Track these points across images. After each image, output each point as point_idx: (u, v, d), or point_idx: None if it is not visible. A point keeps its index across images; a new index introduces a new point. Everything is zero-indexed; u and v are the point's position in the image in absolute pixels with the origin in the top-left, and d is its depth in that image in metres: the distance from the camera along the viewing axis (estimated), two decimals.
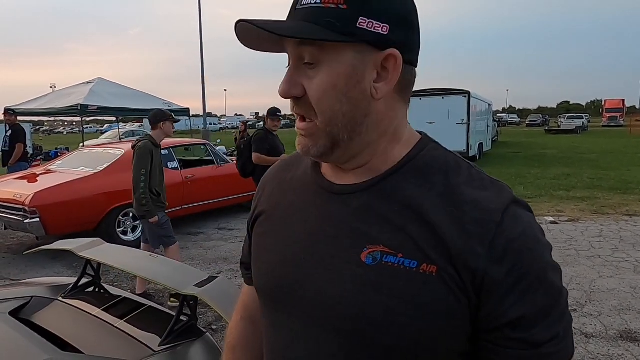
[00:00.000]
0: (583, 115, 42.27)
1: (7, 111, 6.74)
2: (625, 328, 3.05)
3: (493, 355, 0.55)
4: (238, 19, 0.57)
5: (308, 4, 0.56)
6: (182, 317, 1.48)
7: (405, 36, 0.58)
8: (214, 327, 3.20)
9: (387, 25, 0.56)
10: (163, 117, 3.80)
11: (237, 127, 12.90)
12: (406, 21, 0.58)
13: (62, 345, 1.41)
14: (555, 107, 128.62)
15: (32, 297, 1.74)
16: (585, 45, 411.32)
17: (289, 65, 0.61)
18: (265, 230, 0.71)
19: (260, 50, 0.63)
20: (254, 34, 0.57)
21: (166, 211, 5.59)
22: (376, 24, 0.56)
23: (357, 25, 0.55)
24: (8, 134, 6.51)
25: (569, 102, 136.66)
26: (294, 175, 0.72)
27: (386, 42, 0.57)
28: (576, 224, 5.89)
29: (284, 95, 0.59)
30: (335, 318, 0.58)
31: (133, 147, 3.74)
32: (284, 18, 0.60)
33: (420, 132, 0.66)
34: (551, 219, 6.11)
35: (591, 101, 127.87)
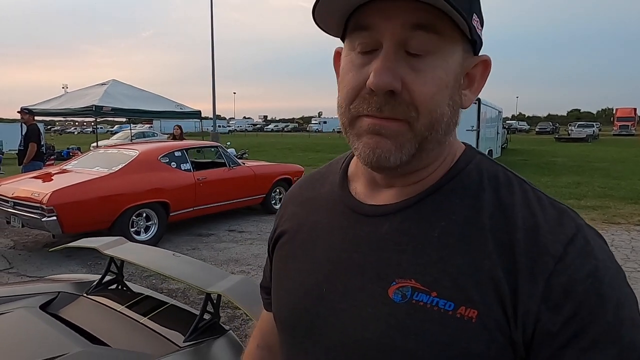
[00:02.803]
0: (594, 123, 41.99)
1: (24, 110, 6.86)
2: None
3: None
4: None
5: None
6: (204, 316, 1.53)
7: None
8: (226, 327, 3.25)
9: (482, 29, 0.51)
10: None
11: (172, 131, 10.87)
12: (482, 25, 0.52)
13: (89, 339, 1.46)
14: (565, 114, 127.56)
15: (59, 292, 1.80)
16: (597, 52, 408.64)
17: (362, 49, 0.49)
18: (287, 254, 0.64)
19: (329, 32, 0.53)
20: (343, 6, 0.48)
21: (178, 212, 5.70)
22: (479, 25, 0.50)
23: (472, 22, 0.48)
24: (24, 133, 6.64)
25: (579, 109, 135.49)
26: (318, 193, 0.64)
27: (480, 47, 0.52)
28: None
29: (384, 87, 0.46)
30: (352, 357, 0.52)
31: None
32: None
33: (463, 143, 0.58)
34: None
35: (602, 109, 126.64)
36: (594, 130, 34.92)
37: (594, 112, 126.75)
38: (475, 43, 0.51)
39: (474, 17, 0.49)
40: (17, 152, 6.79)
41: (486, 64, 0.53)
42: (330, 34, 0.53)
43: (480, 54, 0.53)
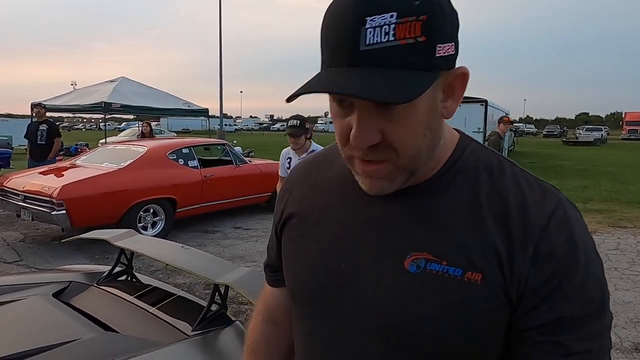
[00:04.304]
0: (602, 127, 41.57)
1: (39, 105, 6.95)
2: None
3: (520, 357, 0.54)
4: (327, 88, 0.48)
5: (379, 42, 0.46)
6: (212, 307, 1.56)
7: (458, 46, 0.53)
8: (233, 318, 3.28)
9: (453, 44, 0.51)
10: (500, 120, 6.53)
11: (141, 126, 10.43)
12: (458, 31, 0.53)
13: (100, 326, 1.50)
14: (573, 118, 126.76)
15: (70, 282, 1.84)
16: (606, 55, 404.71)
17: (339, 103, 0.53)
18: (300, 234, 0.68)
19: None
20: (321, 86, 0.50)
21: (185, 208, 5.75)
22: (447, 46, 0.50)
23: (436, 55, 0.49)
24: (44, 128, 6.73)
25: (587, 113, 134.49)
26: (326, 176, 0.69)
27: (454, 61, 0.53)
28: (593, 236, 5.83)
29: (363, 146, 0.52)
30: (377, 326, 0.57)
31: (487, 139, 5.98)
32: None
33: (457, 130, 0.64)
34: None
35: (611, 113, 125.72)
36: (602, 134, 34.61)
37: (603, 116, 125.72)
38: (448, 66, 0.52)
39: (437, 49, 0.49)
40: (28, 147, 6.83)
41: (464, 75, 0.55)
42: None
43: (460, 66, 0.55)
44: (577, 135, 35.16)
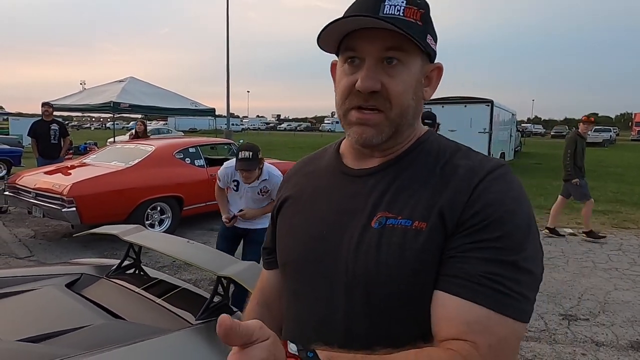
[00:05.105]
0: (611, 128, 41.16)
1: (47, 104, 7.11)
2: (637, 339, 3.08)
3: (440, 278, 0.64)
4: (352, 14, 0.67)
5: (392, 14, 0.66)
6: (215, 298, 1.65)
7: (436, 53, 0.74)
8: (235, 309, 3.37)
9: (435, 44, 0.72)
10: (580, 120, 6.31)
11: (134, 127, 9.71)
12: (436, 42, 0.74)
13: (110, 315, 1.60)
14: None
15: (81, 274, 1.95)
16: (616, 55, 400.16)
17: (350, 62, 0.70)
18: (292, 213, 0.82)
19: (328, 51, 0.74)
20: (337, 34, 0.69)
21: (191, 206, 5.86)
22: (432, 42, 0.71)
23: (427, 40, 0.69)
24: (56, 127, 6.93)
25: (597, 114, 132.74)
26: (317, 166, 0.85)
27: (434, 57, 0.73)
28: None
29: (368, 89, 0.68)
30: (344, 277, 0.70)
31: (565, 137, 6.28)
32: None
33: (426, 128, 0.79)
34: (570, 230, 6.09)
35: (621, 114, 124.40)
36: (610, 135, 34.33)
37: (613, 117, 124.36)
38: (430, 55, 0.72)
39: (427, 37, 0.70)
40: (35, 145, 6.97)
41: (439, 69, 0.76)
42: (329, 52, 0.76)
43: (437, 62, 0.76)
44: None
